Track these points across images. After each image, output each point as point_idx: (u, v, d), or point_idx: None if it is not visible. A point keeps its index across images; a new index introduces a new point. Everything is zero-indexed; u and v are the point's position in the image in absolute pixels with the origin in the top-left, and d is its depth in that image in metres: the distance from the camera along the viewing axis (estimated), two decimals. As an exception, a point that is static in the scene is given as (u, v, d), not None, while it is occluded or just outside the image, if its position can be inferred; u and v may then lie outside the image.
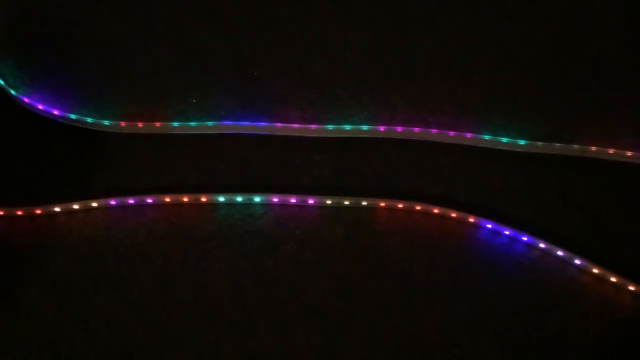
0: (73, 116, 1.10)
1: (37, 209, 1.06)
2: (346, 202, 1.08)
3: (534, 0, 1.21)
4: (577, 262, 1.06)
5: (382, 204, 1.08)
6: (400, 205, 1.08)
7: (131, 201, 1.07)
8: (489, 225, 1.08)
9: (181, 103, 1.12)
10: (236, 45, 1.16)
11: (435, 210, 1.08)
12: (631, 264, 1.07)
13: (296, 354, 1.01)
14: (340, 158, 1.11)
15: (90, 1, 1.17)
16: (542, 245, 1.07)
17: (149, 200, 1.07)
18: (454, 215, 1.08)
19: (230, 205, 1.08)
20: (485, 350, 1.02)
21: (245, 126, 1.11)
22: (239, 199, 1.08)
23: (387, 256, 1.06)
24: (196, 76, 1.14)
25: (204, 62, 1.15)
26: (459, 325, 1.03)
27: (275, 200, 1.08)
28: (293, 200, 1.08)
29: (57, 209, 1.06)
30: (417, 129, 1.12)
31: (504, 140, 1.12)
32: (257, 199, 1.08)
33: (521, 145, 1.12)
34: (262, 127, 1.12)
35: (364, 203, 1.08)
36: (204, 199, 1.08)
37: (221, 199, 1.08)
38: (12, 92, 1.11)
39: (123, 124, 1.10)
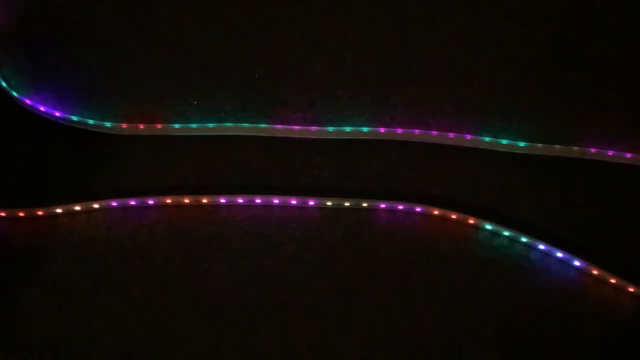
0: (74, 118, 1.10)
1: (39, 210, 1.06)
2: (346, 204, 1.09)
3: (534, 1, 1.21)
4: (577, 263, 1.07)
5: (382, 205, 1.09)
6: (400, 207, 1.09)
7: (132, 202, 1.07)
8: (489, 227, 1.08)
9: (182, 104, 1.13)
10: (236, 46, 1.16)
11: (435, 212, 1.09)
12: (630, 266, 1.07)
13: (296, 354, 1.02)
14: (340, 159, 1.12)
15: (91, 3, 1.17)
16: (541, 246, 1.07)
17: (150, 202, 1.07)
18: (454, 216, 1.08)
19: (231, 206, 1.08)
20: (485, 351, 1.03)
21: (246, 128, 1.12)
22: (240, 200, 1.08)
23: (387, 257, 1.07)
24: (197, 78, 1.14)
25: (205, 63, 1.15)
26: (459, 326, 1.04)
27: (276, 201, 1.08)
28: (293, 202, 1.08)
29: (58, 210, 1.06)
30: (417, 131, 1.12)
31: (504, 142, 1.12)
32: (257, 200, 1.08)
33: (521, 147, 1.12)
34: (263, 128, 1.12)
35: (364, 204, 1.09)
36: (204, 200, 1.08)
37: (222, 200, 1.08)
38: (14, 93, 1.11)
39: (124, 125, 1.10)
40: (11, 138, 1.11)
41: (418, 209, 1.09)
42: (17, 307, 1.02)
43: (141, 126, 1.11)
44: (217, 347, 1.02)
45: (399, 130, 1.12)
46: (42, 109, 1.10)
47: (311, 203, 1.08)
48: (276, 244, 1.07)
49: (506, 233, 1.08)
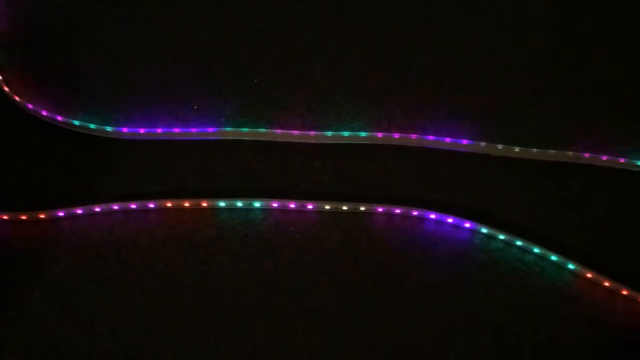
0: (76, 122, 1.11)
1: (41, 213, 1.07)
2: (344, 207, 1.09)
3: (531, 8, 1.22)
4: (571, 266, 1.08)
5: (380, 209, 1.10)
6: (398, 211, 1.10)
7: (133, 206, 1.08)
8: (485, 230, 1.09)
9: (182, 109, 1.14)
10: (236, 51, 1.17)
11: (432, 216, 1.10)
12: (624, 269, 1.08)
13: (296, 356, 1.03)
14: (338, 164, 1.12)
15: (93, 8, 1.18)
16: (536, 250, 1.08)
17: (151, 205, 1.08)
18: (450, 220, 1.09)
19: (231, 210, 1.09)
20: (481, 354, 1.04)
21: (246, 132, 1.13)
22: (239, 204, 1.09)
23: (385, 260, 1.07)
24: (197, 83, 1.15)
25: (205, 68, 1.16)
26: (455, 329, 1.04)
27: (275, 205, 1.09)
28: (292, 205, 1.09)
29: (60, 214, 1.07)
30: (414, 136, 1.13)
31: (500, 147, 1.13)
32: (257, 204, 1.09)
33: (516, 151, 1.13)
34: (262, 133, 1.13)
35: (362, 208, 1.10)
36: (204, 204, 1.09)
37: (222, 204, 1.09)
38: (16, 98, 1.12)
39: (125, 130, 1.11)
40: (13, 142, 1.11)
41: (415, 213, 1.09)
42: (19, 310, 1.03)
43: (142, 130, 1.12)
44: (217, 349, 1.02)
45: (397, 135, 1.13)
46: (44, 113, 1.11)
47: (310, 207, 1.09)
48: (275, 247, 1.07)
49: (501, 237, 1.09)
